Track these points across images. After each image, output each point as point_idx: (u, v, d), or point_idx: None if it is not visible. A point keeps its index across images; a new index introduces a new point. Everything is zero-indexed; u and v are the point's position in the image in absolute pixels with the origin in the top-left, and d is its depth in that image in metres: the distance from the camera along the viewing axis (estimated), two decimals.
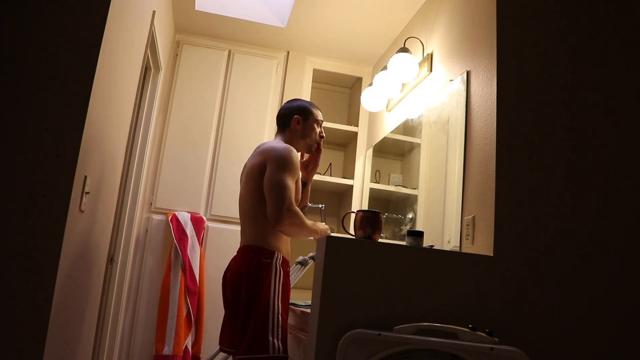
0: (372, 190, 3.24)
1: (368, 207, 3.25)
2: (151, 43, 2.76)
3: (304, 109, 2.18)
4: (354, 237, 1.86)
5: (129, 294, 3.13)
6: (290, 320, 2.17)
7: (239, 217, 2.48)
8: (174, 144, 3.36)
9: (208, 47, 3.54)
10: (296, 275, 2.37)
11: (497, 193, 1.80)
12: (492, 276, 1.72)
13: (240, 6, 3.30)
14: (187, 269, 3.08)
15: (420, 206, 2.44)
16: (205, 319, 3.17)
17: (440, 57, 2.48)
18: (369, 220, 1.85)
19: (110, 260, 2.74)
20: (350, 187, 3.53)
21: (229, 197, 3.36)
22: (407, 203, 2.63)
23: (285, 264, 2.00)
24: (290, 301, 2.11)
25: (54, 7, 1.73)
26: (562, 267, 1.79)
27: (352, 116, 3.81)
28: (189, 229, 3.18)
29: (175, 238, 3.13)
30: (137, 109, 2.98)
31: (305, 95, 3.60)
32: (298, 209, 1.94)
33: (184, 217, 3.21)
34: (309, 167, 2.25)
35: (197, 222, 3.23)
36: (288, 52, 3.65)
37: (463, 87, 2.13)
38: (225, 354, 2.07)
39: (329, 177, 3.48)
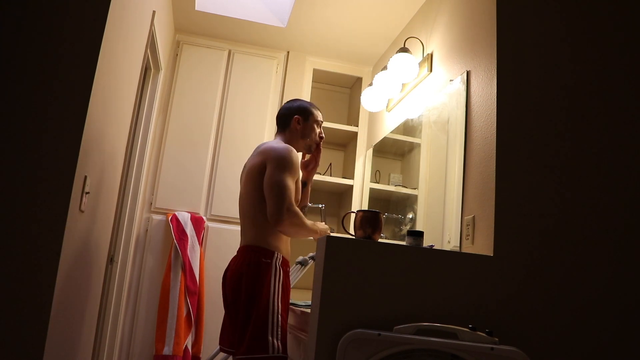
0: (372, 190, 3.24)
1: (368, 207, 3.24)
2: (151, 43, 2.76)
3: (305, 109, 2.18)
4: (354, 237, 1.86)
5: (129, 294, 3.13)
6: (290, 320, 2.17)
7: (239, 217, 2.48)
8: (174, 144, 3.36)
9: (208, 47, 3.54)
10: (296, 275, 2.37)
11: (497, 193, 1.80)
12: (492, 276, 1.71)
13: (240, 6, 3.30)
14: (187, 269, 3.08)
15: (420, 206, 2.44)
16: (205, 319, 3.17)
17: (440, 57, 2.48)
18: (369, 220, 1.85)
19: (110, 260, 2.74)
20: (350, 187, 3.53)
21: (229, 197, 3.36)
22: (407, 203, 2.63)
23: (285, 264, 2.00)
24: (290, 301, 2.11)
25: (54, 7, 1.73)
26: (562, 267, 1.79)
27: (352, 116, 3.81)
28: (189, 229, 3.18)
29: (175, 238, 3.13)
30: (137, 109, 2.98)
31: (305, 95, 3.60)
32: (298, 209, 1.94)
33: (184, 217, 3.22)
34: (309, 167, 2.25)
35: (197, 222, 3.23)
36: (288, 52, 3.65)
37: (463, 87, 2.13)
38: (225, 354, 2.07)
39: (329, 177, 3.48)
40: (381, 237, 2.30)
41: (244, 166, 2.13)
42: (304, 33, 3.38)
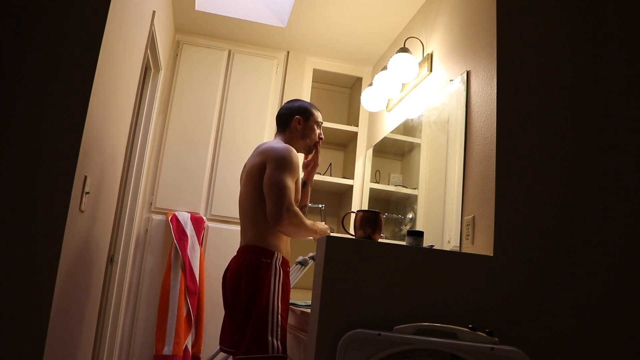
0: (372, 190, 3.24)
1: (368, 207, 3.25)
2: (151, 43, 2.76)
3: (305, 110, 2.18)
4: (354, 237, 1.86)
5: (129, 294, 3.13)
6: (290, 320, 2.17)
7: (239, 217, 2.48)
8: (174, 144, 3.36)
9: (208, 47, 3.54)
10: (296, 275, 2.37)
11: (497, 193, 1.80)
12: (492, 276, 1.71)
13: (240, 6, 3.30)
14: (187, 269, 3.08)
15: (420, 206, 2.44)
16: (205, 319, 3.17)
17: (440, 57, 2.48)
18: (369, 220, 1.85)
19: (110, 260, 2.74)
20: (350, 187, 3.53)
21: (229, 197, 3.36)
22: (407, 203, 2.63)
23: (285, 264, 2.00)
24: (290, 301, 2.11)
25: (54, 7, 1.73)
26: (562, 267, 1.79)
27: (352, 116, 3.81)
28: (189, 229, 3.18)
29: (175, 238, 3.13)
30: (137, 109, 2.98)
31: (305, 95, 3.60)
32: (297, 209, 1.94)
33: (184, 217, 3.22)
34: (309, 166, 2.26)
35: (197, 222, 3.23)
36: (288, 52, 3.65)
37: (463, 87, 2.13)
38: (225, 354, 2.07)
39: (329, 177, 3.48)
40: (381, 237, 2.30)
41: (244, 166, 2.13)
42: (304, 33, 3.38)
